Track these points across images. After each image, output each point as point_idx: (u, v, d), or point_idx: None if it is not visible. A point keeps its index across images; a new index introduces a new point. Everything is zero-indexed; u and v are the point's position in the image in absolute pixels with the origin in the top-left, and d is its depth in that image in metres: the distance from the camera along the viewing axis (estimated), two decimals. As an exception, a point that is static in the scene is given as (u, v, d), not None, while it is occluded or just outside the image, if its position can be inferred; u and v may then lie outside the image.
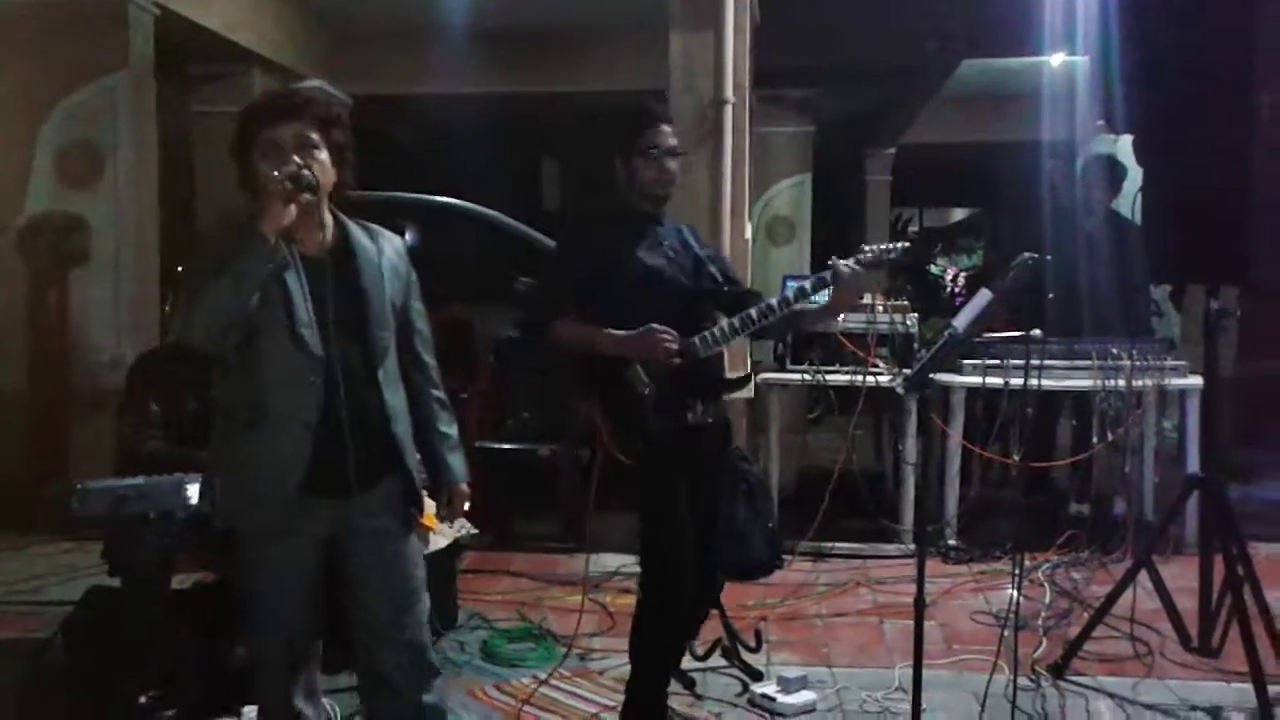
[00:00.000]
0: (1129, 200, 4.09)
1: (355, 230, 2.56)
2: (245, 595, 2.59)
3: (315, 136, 2.44)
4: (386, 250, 2.58)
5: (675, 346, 2.95)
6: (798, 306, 3.08)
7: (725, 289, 3.20)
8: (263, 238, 2.30)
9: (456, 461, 2.69)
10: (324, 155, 2.45)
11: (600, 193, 3.21)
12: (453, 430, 2.70)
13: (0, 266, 5.95)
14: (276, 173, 2.32)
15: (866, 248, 3.07)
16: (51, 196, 5.99)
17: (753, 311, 3.06)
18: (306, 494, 2.42)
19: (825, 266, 3.07)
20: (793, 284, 3.28)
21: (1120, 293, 5.34)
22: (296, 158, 2.37)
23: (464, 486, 2.71)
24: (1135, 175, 3.92)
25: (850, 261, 3.01)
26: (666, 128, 3.09)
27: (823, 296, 3.13)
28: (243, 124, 2.47)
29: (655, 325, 2.93)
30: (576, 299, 3.04)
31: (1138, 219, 3.77)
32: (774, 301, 3.07)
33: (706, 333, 3.05)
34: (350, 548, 2.52)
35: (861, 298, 3.15)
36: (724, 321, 3.08)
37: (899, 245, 3.12)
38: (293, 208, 2.33)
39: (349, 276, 2.48)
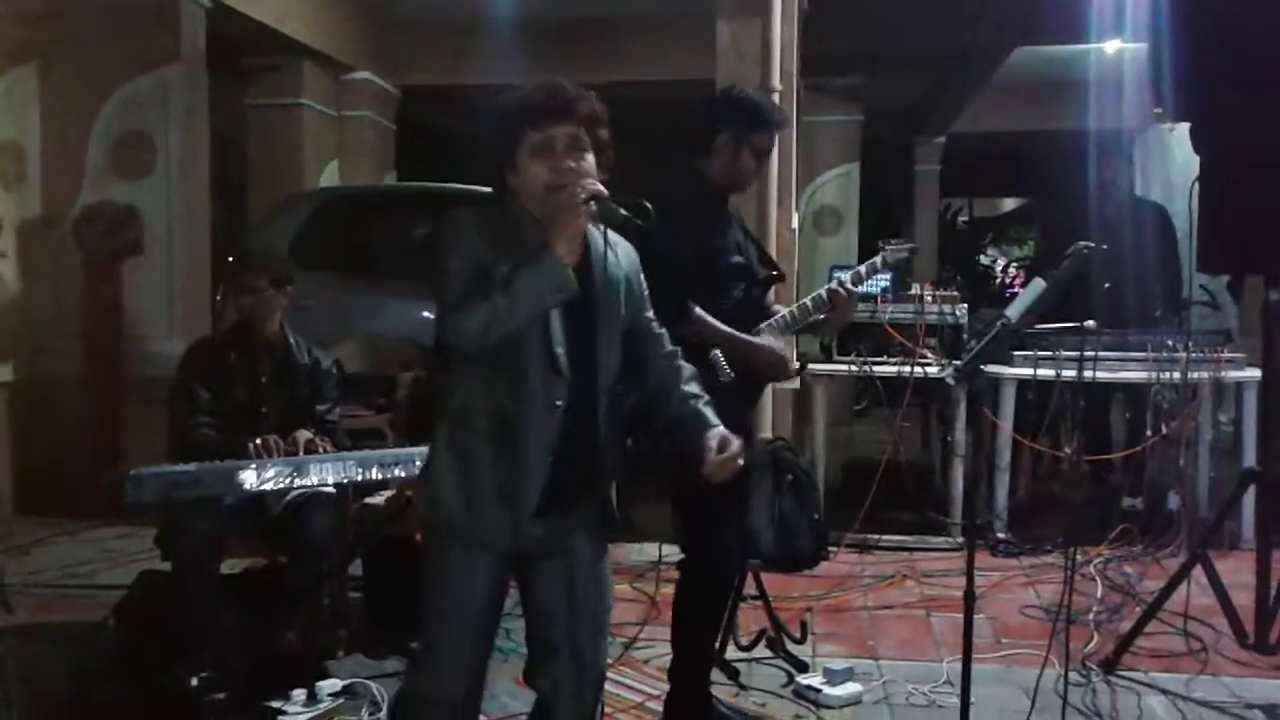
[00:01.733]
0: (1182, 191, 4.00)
1: (596, 240, 2.31)
2: (435, 606, 2.36)
3: (585, 137, 2.27)
4: (623, 263, 2.38)
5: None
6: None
7: (774, 274, 3.35)
8: (560, 264, 2.14)
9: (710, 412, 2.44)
10: (590, 159, 2.26)
11: (644, 180, 3.23)
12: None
13: (55, 256, 6.06)
14: (579, 191, 2.16)
15: (888, 246, 3.38)
16: (105, 187, 6.09)
17: (808, 302, 3.24)
18: (535, 517, 2.27)
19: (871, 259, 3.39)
20: (840, 274, 3.43)
21: (1158, 280, 5.35)
22: (572, 163, 2.22)
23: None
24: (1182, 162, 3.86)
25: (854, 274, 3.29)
26: (775, 134, 3.21)
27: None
28: (508, 120, 2.27)
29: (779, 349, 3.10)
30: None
31: (1193, 207, 3.69)
32: (823, 293, 3.26)
33: (785, 316, 3.21)
34: (540, 565, 2.37)
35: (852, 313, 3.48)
36: (784, 312, 3.22)
37: (907, 245, 3.44)
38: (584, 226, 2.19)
39: (588, 292, 2.28)
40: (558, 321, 2.24)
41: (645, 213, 2.24)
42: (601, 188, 2.19)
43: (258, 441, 3.56)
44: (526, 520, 2.26)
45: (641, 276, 2.43)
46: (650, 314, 2.47)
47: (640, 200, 2.31)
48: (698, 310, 3.04)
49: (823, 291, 3.25)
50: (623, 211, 2.19)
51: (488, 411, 2.27)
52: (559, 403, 2.25)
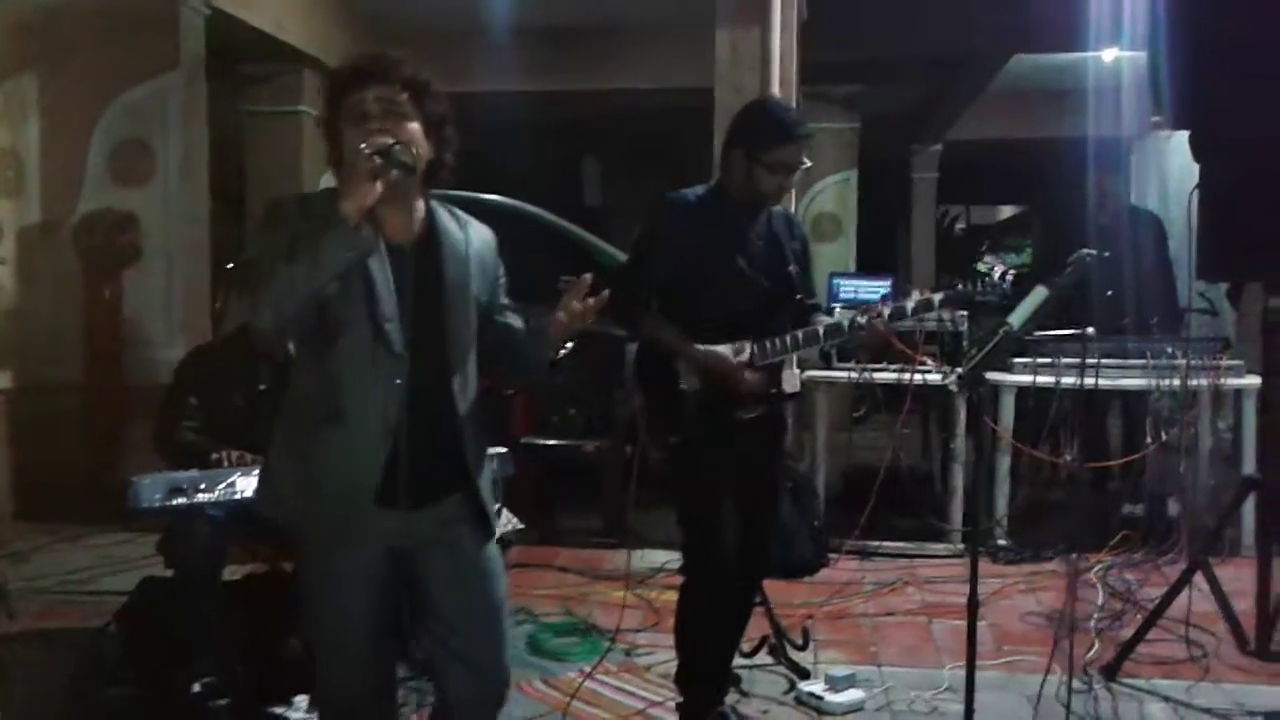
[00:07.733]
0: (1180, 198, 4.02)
1: (443, 216, 2.28)
2: (310, 614, 2.30)
3: (406, 103, 2.16)
4: (475, 241, 2.31)
5: (750, 382, 2.98)
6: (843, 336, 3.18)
7: (796, 297, 3.19)
8: (344, 220, 2.03)
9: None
10: (414, 126, 2.16)
11: (644, 189, 3.23)
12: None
13: (55, 263, 6.05)
14: (364, 145, 2.06)
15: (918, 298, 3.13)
16: (104, 194, 6.08)
17: (819, 329, 3.11)
18: (377, 502, 2.18)
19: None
20: (844, 315, 3.29)
21: (1154, 287, 5.39)
22: (385, 126, 2.12)
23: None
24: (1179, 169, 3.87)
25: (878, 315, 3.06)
26: (796, 147, 3.02)
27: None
28: (329, 90, 2.21)
29: (740, 362, 2.95)
30: (656, 287, 3.04)
31: (1192, 214, 3.69)
32: (838, 322, 3.14)
33: (766, 342, 3.07)
34: (422, 561, 2.27)
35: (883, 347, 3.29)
36: (786, 336, 3.09)
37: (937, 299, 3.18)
38: (379, 186, 2.05)
39: (432, 268, 2.22)
40: (390, 297, 2.16)
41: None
42: (387, 140, 2.08)
43: (224, 453, 3.54)
44: (369, 507, 2.16)
45: (498, 258, 2.38)
46: (506, 300, 2.41)
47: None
48: (644, 319, 3.01)
49: (841, 320, 3.13)
50: (405, 153, 2.11)
51: (322, 398, 2.16)
52: (398, 381, 2.16)
